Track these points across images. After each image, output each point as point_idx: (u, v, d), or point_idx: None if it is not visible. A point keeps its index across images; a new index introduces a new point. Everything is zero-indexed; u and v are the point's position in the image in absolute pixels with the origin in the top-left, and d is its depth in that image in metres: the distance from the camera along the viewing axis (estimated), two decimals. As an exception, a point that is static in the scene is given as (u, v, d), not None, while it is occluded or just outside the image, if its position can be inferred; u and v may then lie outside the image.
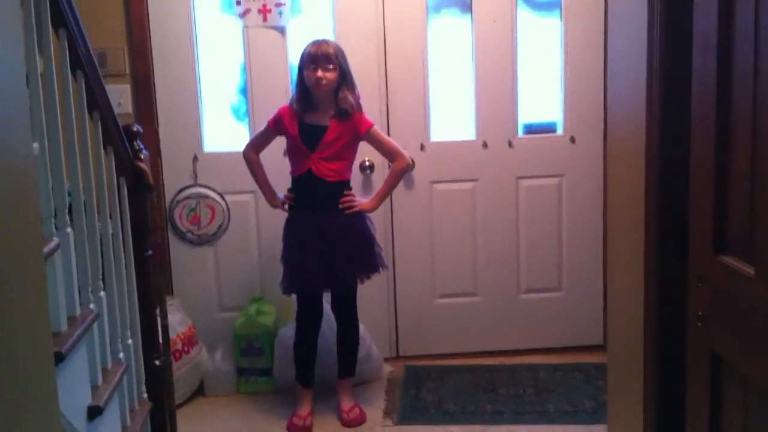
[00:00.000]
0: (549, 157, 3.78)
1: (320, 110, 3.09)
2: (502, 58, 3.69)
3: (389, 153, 3.24)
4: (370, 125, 3.14)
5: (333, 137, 3.06)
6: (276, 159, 3.35)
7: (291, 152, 3.16)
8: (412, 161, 3.49)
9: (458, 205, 3.80)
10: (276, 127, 3.17)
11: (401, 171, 3.22)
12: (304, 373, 3.27)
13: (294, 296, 3.25)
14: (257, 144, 3.26)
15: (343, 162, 3.13)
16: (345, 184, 3.15)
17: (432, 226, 3.80)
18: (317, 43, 3.05)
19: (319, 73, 2.99)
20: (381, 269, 3.26)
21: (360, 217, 3.15)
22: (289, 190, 3.19)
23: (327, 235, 3.09)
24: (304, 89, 3.08)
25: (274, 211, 3.30)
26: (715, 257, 1.57)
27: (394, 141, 3.25)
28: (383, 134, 3.27)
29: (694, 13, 1.63)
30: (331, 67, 3.01)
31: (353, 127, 3.09)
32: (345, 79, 3.06)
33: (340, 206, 3.10)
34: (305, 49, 3.06)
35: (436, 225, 3.80)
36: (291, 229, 3.19)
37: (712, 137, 1.55)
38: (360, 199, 3.20)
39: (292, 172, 3.16)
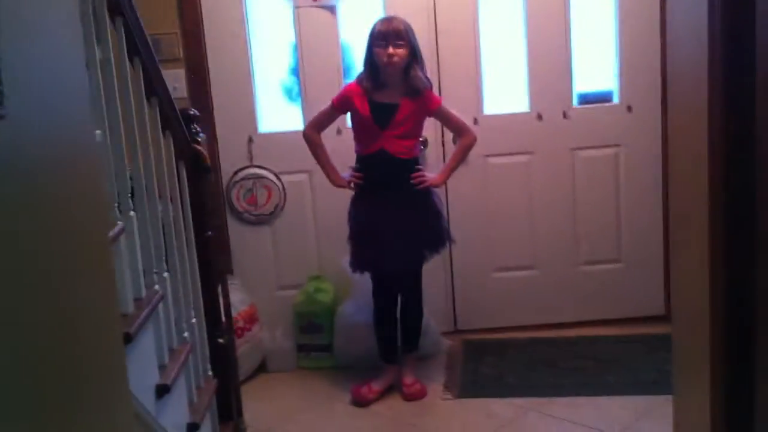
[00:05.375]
0: (605, 127, 3.72)
1: (389, 88, 3.06)
2: (554, 26, 3.63)
3: (457, 128, 3.22)
4: (440, 102, 3.14)
5: (404, 115, 3.04)
6: (331, 136, 3.35)
7: (359, 131, 3.13)
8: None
9: (513, 178, 3.77)
10: (342, 106, 3.13)
11: (468, 146, 3.18)
12: (387, 350, 3.28)
13: (357, 275, 3.26)
14: (319, 124, 3.21)
15: (413, 139, 3.12)
16: (416, 161, 3.15)
17: (487, 200, 3.77)
18: (387, 20, 3.03)
19: (390, 50, 2.95)
20: (449, 243, 3.28)
21: (429, 192, 3.14)
22: (356, 169, 3.15)
23: (399, 212, 3.07)
24: (374, 67, 3.04)
25: (330, 190, 3.30)
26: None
27: (460, 116, 3.21)
28: (451, 110, 3.20)
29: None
30: (401, 43, 2.97)
31: (424, 104, 3.08)
32: (415, 55, 3.02)
33: (412, 181, 3.08)
34: (374, 27, 3.02)
35: (492, 199, 3.77)
36: (359, 208, 3.16)
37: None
38: (429, 174, 3.18)
39: (361, 151, 3.13)
